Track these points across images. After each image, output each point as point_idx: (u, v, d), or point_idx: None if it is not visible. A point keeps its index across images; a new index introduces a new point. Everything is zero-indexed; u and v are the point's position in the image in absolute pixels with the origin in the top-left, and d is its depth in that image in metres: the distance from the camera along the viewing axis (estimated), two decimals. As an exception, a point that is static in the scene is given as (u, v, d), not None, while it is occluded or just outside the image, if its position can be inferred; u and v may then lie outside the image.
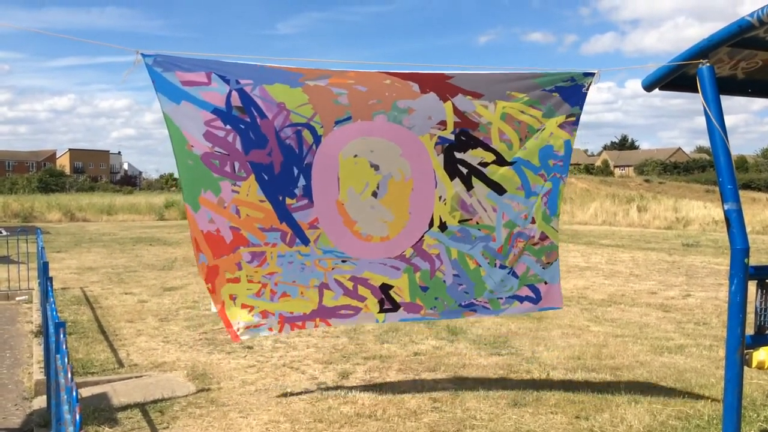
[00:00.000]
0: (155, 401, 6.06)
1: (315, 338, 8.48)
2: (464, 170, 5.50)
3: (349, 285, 5.66)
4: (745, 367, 4.14)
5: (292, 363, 7.35)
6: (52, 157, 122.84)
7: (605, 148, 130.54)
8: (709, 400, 6.01)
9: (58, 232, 27.30)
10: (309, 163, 5.24)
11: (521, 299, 5.93)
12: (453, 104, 5.28)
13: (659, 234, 27.11)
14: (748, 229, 4.48)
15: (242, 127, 5.06)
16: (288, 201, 5.26)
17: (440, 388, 6.45)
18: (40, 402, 5.98)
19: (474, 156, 5.48)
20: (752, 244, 4.27)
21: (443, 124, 5.36)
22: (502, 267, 5.80)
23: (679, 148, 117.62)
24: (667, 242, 23.06)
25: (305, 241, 5.41)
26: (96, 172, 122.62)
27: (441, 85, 5.23)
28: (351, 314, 5.78)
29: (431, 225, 5.60)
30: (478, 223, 5.68)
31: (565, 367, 7.17)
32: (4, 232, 20.33)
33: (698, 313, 10.26)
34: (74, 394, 2.57)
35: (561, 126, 5.47)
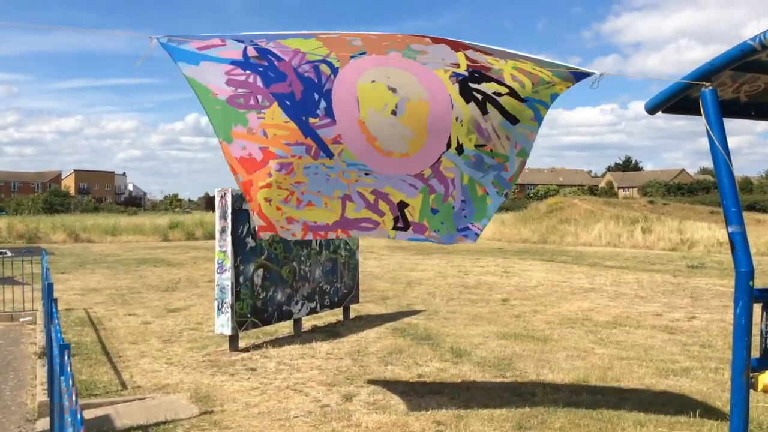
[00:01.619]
0: (158, 423, 6.04)
1: (319, 360, 8.45)
2: (479, 96, 5.65)
3: (371, 198, 5.87)
4: (751, 391, 4.11)
5: (295, 385, 7.32)
6: (57, 178, 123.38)
7: (609, 169, 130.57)
8: (715, 424, 5.96)
9: (62, 253, 27.34)
10: (329, 89, 5.41)
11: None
12: (465, 54, 5.43)
13: (664, 255, 27.04)
14: (753, 250, 4.48)
15: (261, 69, 5.25)
16: (311, 120, 5.43)
17: (444, 410, 6.42)
18: (43, 424, 5.96)
19: (488, 87, 5.64)
20: (757, 266, 4.27)
21: (456, 65, 5.52)
22: (506, 195, 6.03)
23: (683, 170, 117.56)
24: (671, 264, 22.99)
25: (329, 154, 5.57)
26: (101, 193, 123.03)
27: (453, 42, 5.37)
28: (371, 227, 6.04)
29: (449, 146, 5.74)
30: (492, 150, 5.81)
31: (570, 390, 7.13)
32: (9, 253, 20.37)
33: (704, 336, 10.20)
34: (78, 416, 2.56)
35: (569, 88, 5.59)
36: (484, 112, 5.65)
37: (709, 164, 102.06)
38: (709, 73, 4.18)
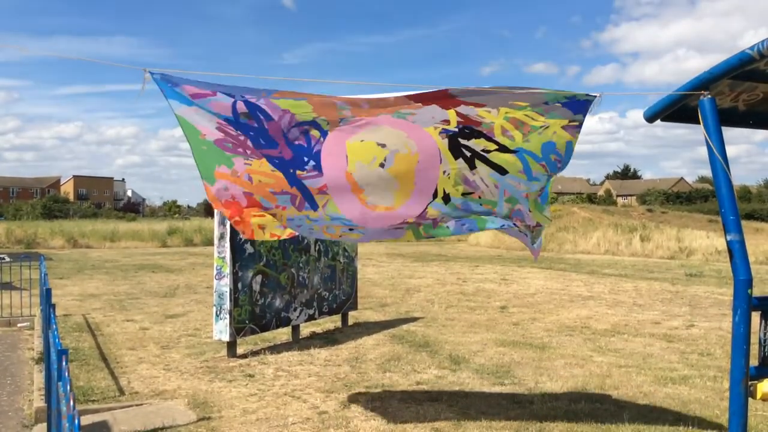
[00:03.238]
0: (156, 429, 6.02)
1: (317, 367, 8.44)
2: (468, 153, 5.67)
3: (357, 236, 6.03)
4: (750, 399, 4.11)
5: (293, 392, 7.31)
6: (56, 183, 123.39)
7: (608, 177, 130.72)
8: (714, 432, 5.96)
9: (60, 258, 27.31)
10: (318, 150, 5.45)
11: (515, 226, 6.28)
12: (456, 110, 5.42)
13: (662, 264, 27.04)
14: (752, 259, 4.48)
15: (251, 133, 5.26)
16: (299, 172, 5.48)
17: (442, 418, 6.41)
18: (40, 430, 5.95)
19: (477, 144, 5.65)
20: (756, 274, 4.27)
21: (446, 122, 5.52)
22: (502, 226, 6.14)
23: (682, 178, 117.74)
24: (670, 272, 22.99)
25: (314, 206, 5.62)
26: (100, 198, 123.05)
27: (443, 99, 5.36)
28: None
29: (435, 196, 5.78)
30: (480, 197, 5.84)
31: (568, 398, 7.12)
32: (7, 259, 20.35)
33: (702, 344, 10.20)
34: (76, 422, 2.56)
35: (564, 128, 5.53)
36: (473, 167, 5.66)
37: (707, 173, 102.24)
38: (707, 81, 4.19)
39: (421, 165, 5.61)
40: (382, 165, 5.54)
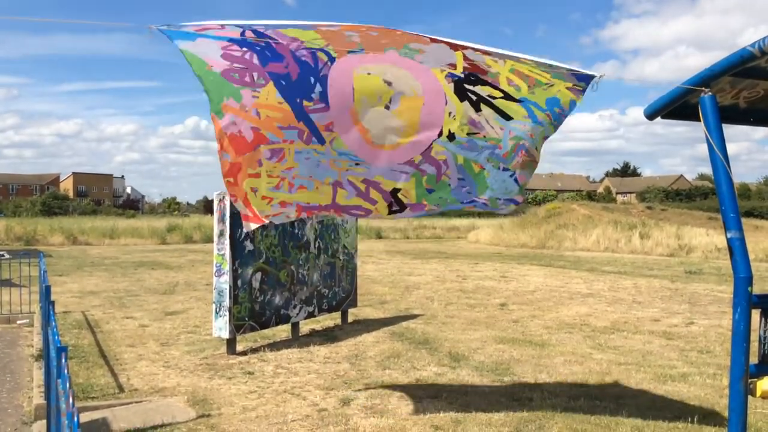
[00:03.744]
0: (155, 427, 6.02)
1: (317, 364, 8.44)
2: (474, 97, 5.72)
3: (362, 187, 5.92)
4: (749, 397, 4.11)
5: (293, 389, 7.31)
6: (55, 180, 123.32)
7: (607, 174, 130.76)
8: (713, 430, 5.96)
9: (60, 255, 27.30)
10: (325, 75, 5.44)
11: (516, 203, 6.29)
12: (463, 54, 5.47)
13: (662, 261, 27.05)
14: (752, 257, 4.48)
15: (258, 48, 5.28)
16: (305, 103, 5.45)
17: (442, 415, 6.41)
18: (39, 427, 5.94)
19: (483, 90, 5.71)
20: (756, 272, 4.26)
21: (453, 66, 5.57)
22: (506, 170, 6.01)
23: (681, 176, 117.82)
24: (669, 269, 22.99)
25: (321, 141, 5.60)
26: (99, 195, 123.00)
27: (452, 43, 5.42)
28: (362, 214, 6.15)
29: (440, 135, 5.79)
30: (485, 136, 5.86)
31: (567, 395, 7.12)
32: (7, 255, 20.32)
33: (701, 341, 10.20)
34: (75, 419, 2.55)
35: (569, 89, 5.59)
36: (478, 110, 5.73)
37: (707, 170, 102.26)
38: (708, 79, 4.19)
39: (426, 108, 5.66)
40: (387, 107, 5.58)
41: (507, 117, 5.74)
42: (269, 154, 5.57)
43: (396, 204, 6.04)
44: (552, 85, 5.57)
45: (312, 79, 5.39)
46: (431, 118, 5.68)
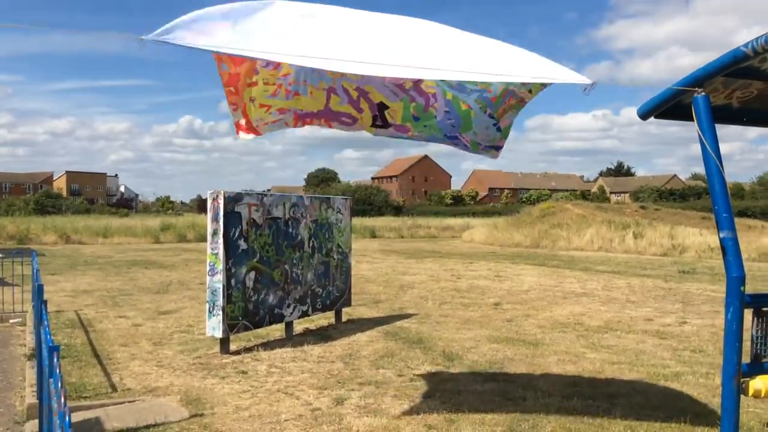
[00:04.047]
0: (148, 426, 6.01)
1: (310, 363, 8.43)
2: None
3: (354, 94, 6.06)
4: (742, 396, 4.12)
5: (286, 388, 7.30)
6: (49, 179, 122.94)
7: (601, 174, 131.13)
8: (706, 429, 5.98)
9: (53, 254, 27.21)
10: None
11: (497, 148, 6.40)
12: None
13: (655, 261, 27.13)
14: (744, 256, 4.48)
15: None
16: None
17: (436, 414, 6.41)
18: (32, 426, 5.91)
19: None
20: (748, 271, 4.27)
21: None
22: (491, 116, 6.09)
23: (675, 175, 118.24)
24: (663, 269, 23.06)
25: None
26: (93, 194, 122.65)
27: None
28: (349, 122, 6.32)
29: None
30: (475, 82, 5.94)
31: (561, 394, 7.13)
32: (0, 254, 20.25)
33: (694, 341, 10.23)
34: (67, 419, 2.54)
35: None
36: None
37: (700, 170, 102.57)
38: (701, 78, 4.19)
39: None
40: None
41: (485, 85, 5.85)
42: (264, 62, 5.70)
43: (380, 119, 6.22)
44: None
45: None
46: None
